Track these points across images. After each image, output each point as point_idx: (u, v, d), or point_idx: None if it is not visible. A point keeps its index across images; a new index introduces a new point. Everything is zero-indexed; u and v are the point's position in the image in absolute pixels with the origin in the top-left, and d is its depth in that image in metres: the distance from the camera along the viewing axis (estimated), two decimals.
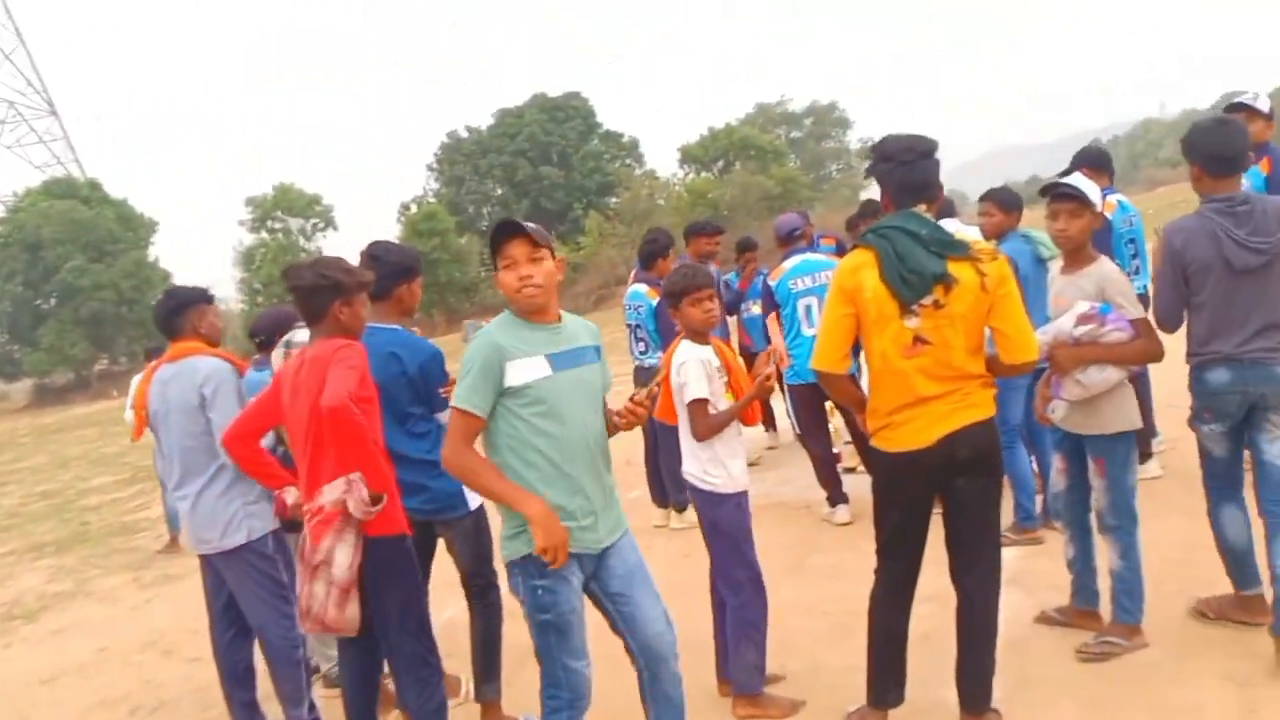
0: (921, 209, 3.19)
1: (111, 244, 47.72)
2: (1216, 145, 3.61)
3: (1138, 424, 3.85)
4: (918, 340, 3.09)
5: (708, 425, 3.71)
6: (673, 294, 3.83)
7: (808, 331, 5.89)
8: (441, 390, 3.72)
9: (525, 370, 2.95)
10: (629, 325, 6.67)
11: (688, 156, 53.04)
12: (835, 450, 6.65)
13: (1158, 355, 3.72)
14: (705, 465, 3.76)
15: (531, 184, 51.64)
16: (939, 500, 3.32)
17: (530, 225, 3.02)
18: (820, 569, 5.49)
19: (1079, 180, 3.85)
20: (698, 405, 3.71)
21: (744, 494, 3.86)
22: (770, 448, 8.47)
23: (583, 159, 52.35)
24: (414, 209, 51.06)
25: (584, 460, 3.02)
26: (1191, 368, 3.72)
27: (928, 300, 3.04)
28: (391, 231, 48.23)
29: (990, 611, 3.30)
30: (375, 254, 3.87)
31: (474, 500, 3.93)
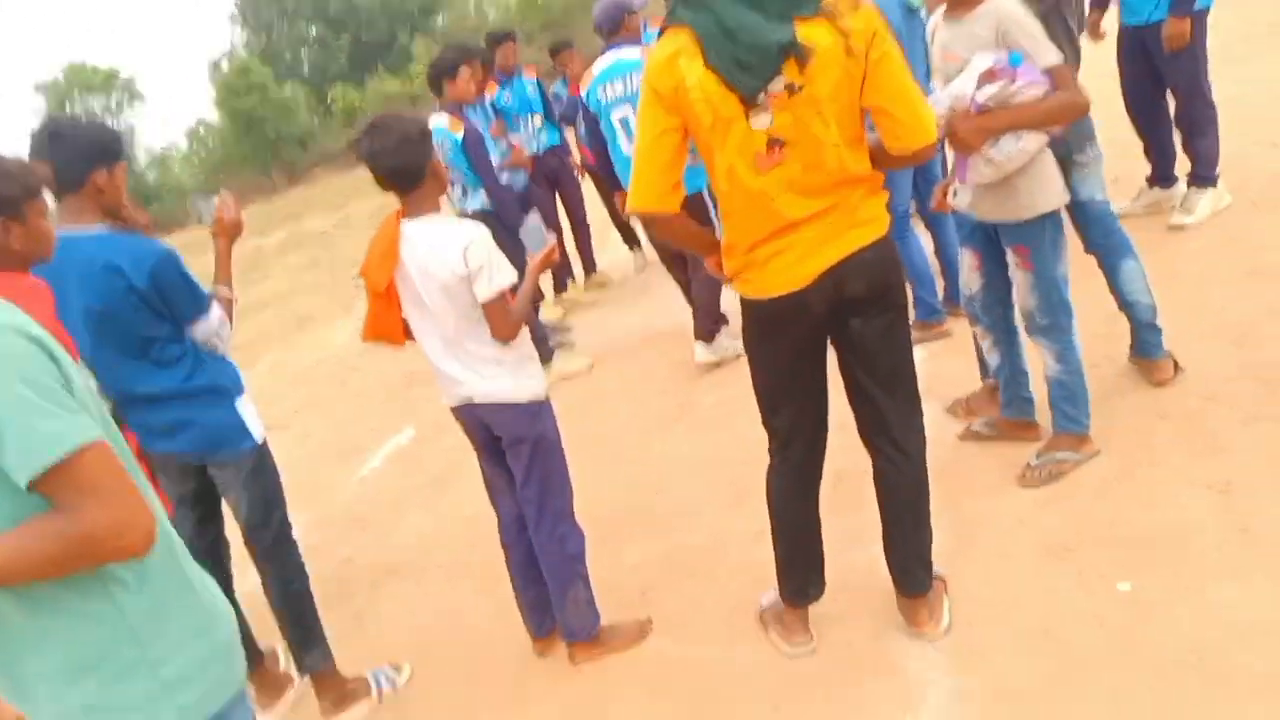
0: None
1: None
2: None
3: (1063, 199, 3.11)
4: (773, 144, 2.22)
5: (518, 318, 2.84)
6: None
7: (627, 148, 4.81)
8: None
9: None
10: None
11: None
12: None
13: (1083, 108, 2.92)
14: (515, 370, 2.90)
15: (348, 17, 47.76)
16: (831, 344, 2.54)
17: None
18: (710, 410, 4.79)
19: None
20: (506, 297, 2.81)
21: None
22: (641, 270, 7.58)
23: None
24: (225, 66, 46.89)
25: None
26: None
27: (777, 86, 2.16)
28: (207, 95, 44.49)
29: (919, 476, 2.59)
30: (56, 131, 2.78)
31: (258, 431, 3.07)
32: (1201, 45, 4.57)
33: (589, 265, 7.33)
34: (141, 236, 2.84)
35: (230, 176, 42.35)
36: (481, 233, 2.78)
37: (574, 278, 7.27)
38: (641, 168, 2.31)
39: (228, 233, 3.08)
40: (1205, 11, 4.55)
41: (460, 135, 5.21)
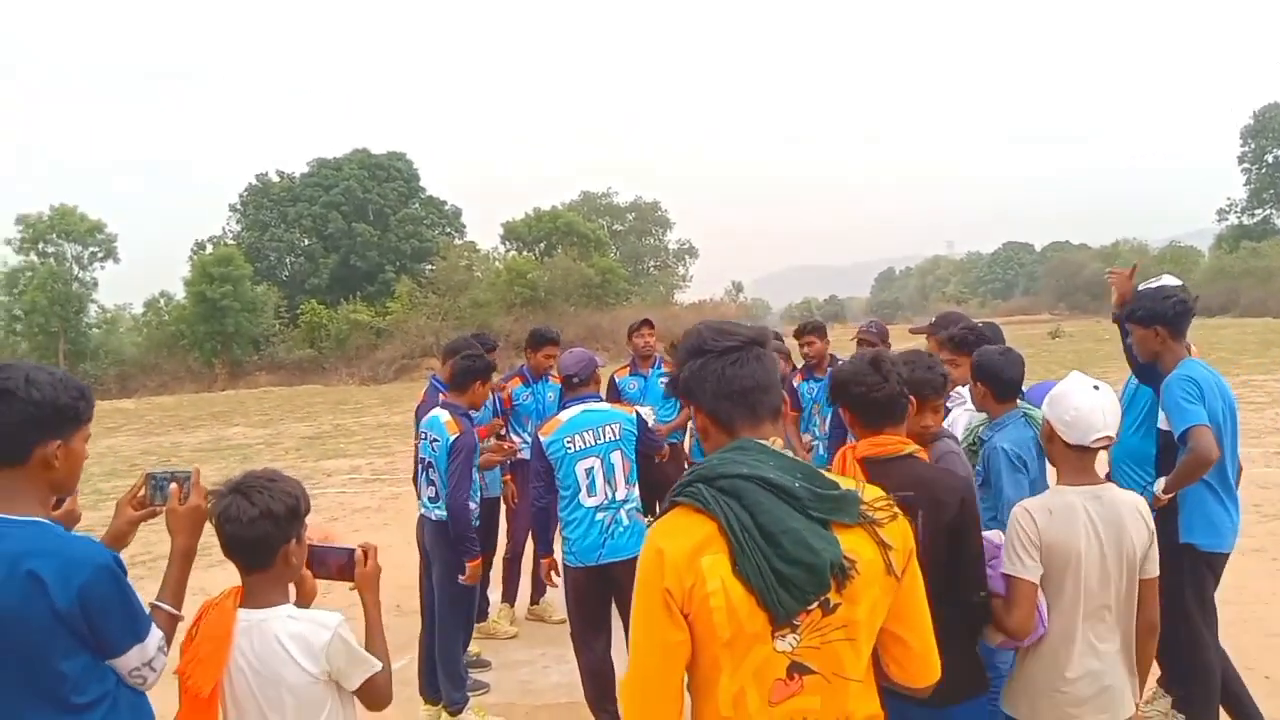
0: (771, 441, 1.87)
1: None
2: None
3: None
4: (794, 670, 1.78)
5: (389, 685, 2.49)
6: None
7: (588, 501, 4.57)
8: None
9: None
10: (420, 460, 5.17)
11: (511, 233, 52.24)
12: None
13: (1022, 632, 2.73)
14: None
15: (343, 239, 49.23)
16: None
17: None
18: None
19: None
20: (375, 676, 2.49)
21: None
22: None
23: (401, 221, 50.45)
24: (209, 249, 47.56)
25: None
26: None
27: (814, 604, 1.77)
28: (180, 271, 44.70)
29: None
30: (3, 389, 2.16)
31: None
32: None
33: (537, 590, 6.69)
34: (79, 536, 2.22)
35: (175, 356, 41.90)
36: (337, 622, 2.36)
37: (511, 602, 6.61)
38: (649, 693, 1.78)
39: (186, 525, 2.39)
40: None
41: (453, 438, 4.89)
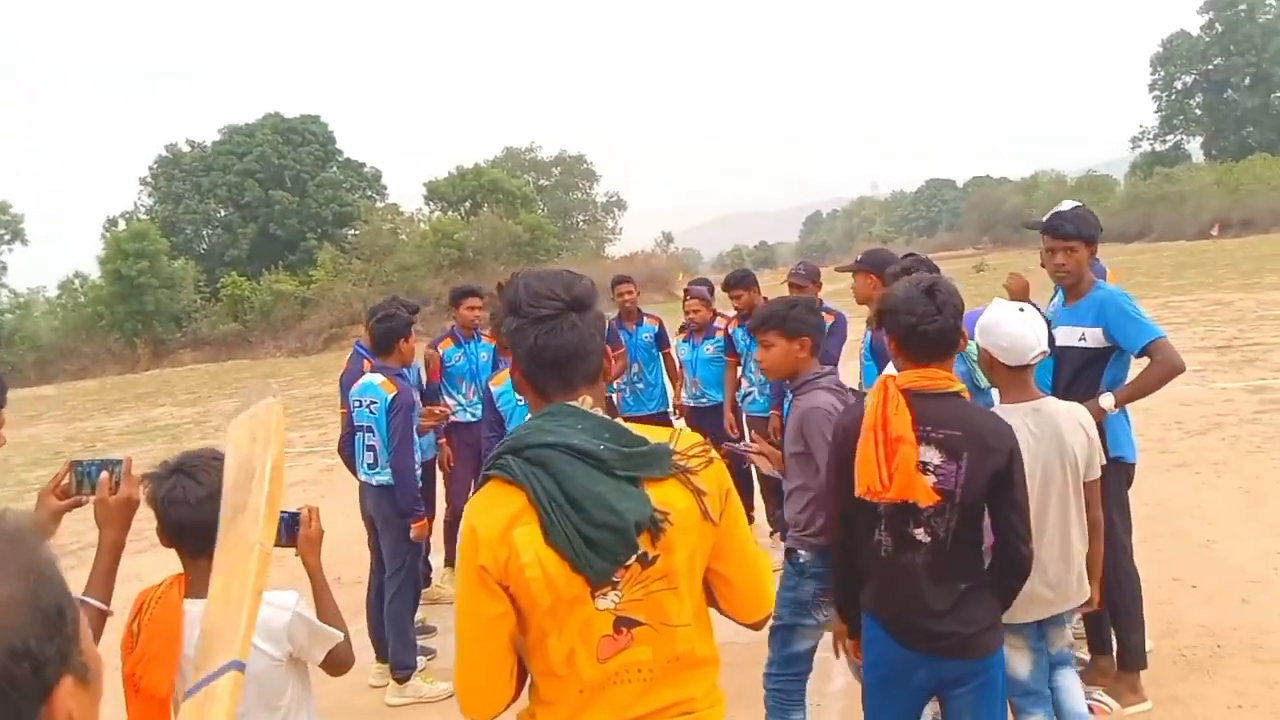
0: (583, 401, 1.84)
1: None
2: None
3: None
4: (620, 624, 1.80)
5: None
6: None
7: None
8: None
9: None
10: (358, 426, 5.05)
11: (434, 193, 51.29)
12: None
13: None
14: None
15: (261, 207, 47.96)
16: None
17: None
18: None
19: None
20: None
21: None
22: None
23: (319, 186, 49.26)
24: (122, 225, 45.98)
25: None
26: None
27: (629, 561, 1.78)
28: (94, 250, 43.17)
29: None
30: None
31: None
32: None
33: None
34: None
35: (94, 338, 40.56)
36: (294, 601, 2.31)
37: (454, 565, 6.55)
38: (474, 668, 1.82)
39: (117, 517, 2.24)
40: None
41: (391, 397, 4.82)
